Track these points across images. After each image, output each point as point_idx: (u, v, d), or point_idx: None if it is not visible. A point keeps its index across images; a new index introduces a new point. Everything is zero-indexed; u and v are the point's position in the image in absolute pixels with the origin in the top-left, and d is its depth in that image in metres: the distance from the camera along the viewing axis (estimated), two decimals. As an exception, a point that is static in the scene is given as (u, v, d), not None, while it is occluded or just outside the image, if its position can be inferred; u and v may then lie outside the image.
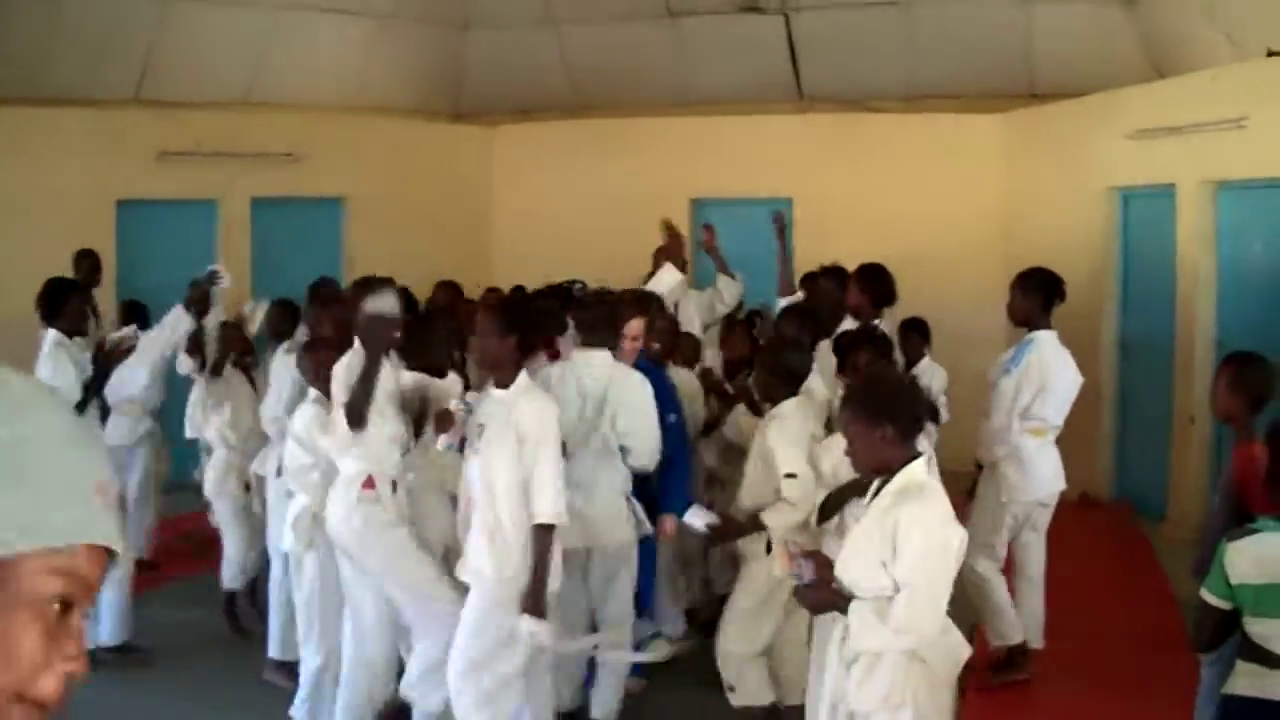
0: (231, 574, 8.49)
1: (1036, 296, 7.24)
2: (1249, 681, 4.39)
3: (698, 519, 6.28)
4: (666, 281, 8.84)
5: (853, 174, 13.30)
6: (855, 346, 6.75)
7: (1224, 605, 4.40)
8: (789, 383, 6.26)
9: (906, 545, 4.33)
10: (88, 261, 10.46)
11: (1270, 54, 9.95)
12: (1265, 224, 9.74)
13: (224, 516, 8.47)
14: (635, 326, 6.72)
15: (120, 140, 12.20)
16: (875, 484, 4.59)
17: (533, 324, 6.06)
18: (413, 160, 14.05)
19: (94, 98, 12.55)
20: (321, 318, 7.64)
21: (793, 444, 6.00)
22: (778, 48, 14.33)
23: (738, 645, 6.35)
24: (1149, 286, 11.24)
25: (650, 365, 6.96)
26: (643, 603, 6.84)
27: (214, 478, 8.40)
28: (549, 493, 5.56)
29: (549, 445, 5.62)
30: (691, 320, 8.98)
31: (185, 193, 12.56)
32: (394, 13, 14.21)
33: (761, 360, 6.57)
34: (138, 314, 9.77)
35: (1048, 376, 7.13)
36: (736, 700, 6.40)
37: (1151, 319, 11.10)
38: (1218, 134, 9.89)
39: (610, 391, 6.38)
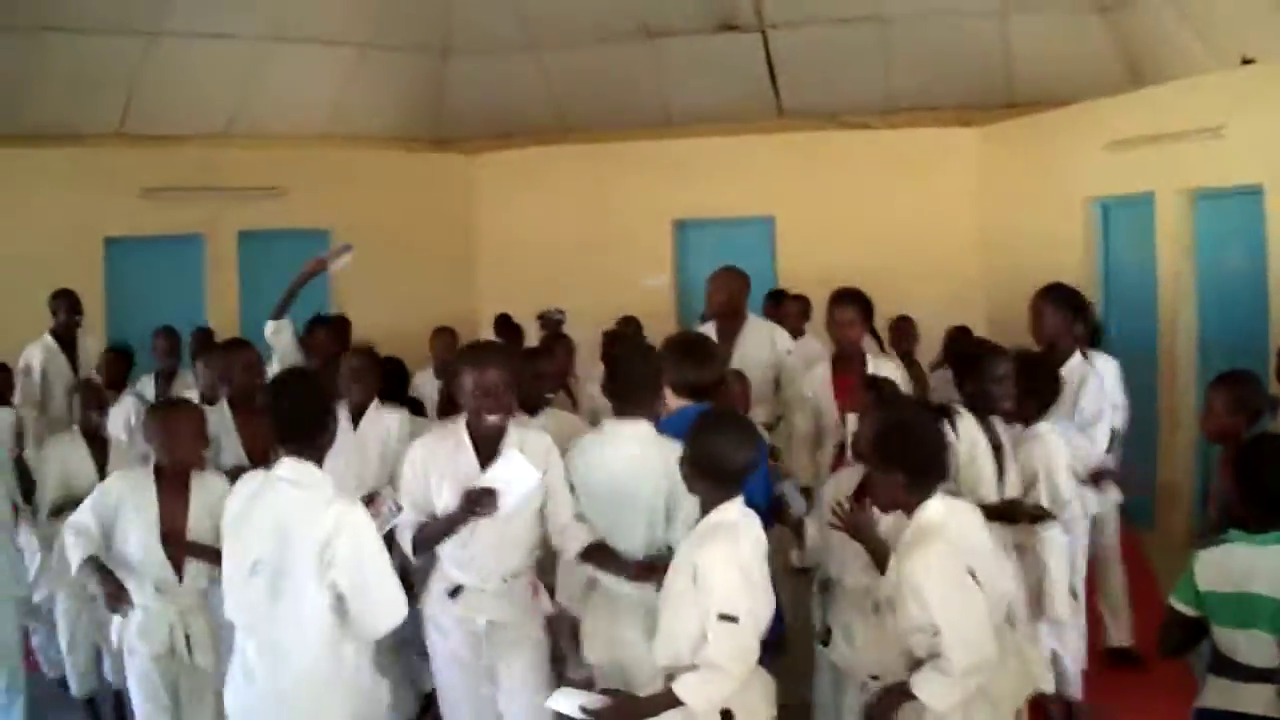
0: (83, 683, 7.28)
1: (1066, 310, 7.14)
2: (1219, 695, 4.47)
3: None
4: None
5: (833, 191, 13.36)
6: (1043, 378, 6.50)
7: (1190, 612, 4.50)
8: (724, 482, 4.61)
9: (925, 592, 4.42)
10: (65, 304, 10.38)
11: (1245, 61, 10.04)
12: (1243, 231, 9.80)
13: (60, 609, 7.23)
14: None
15: (105, 176, 12.24)
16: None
17: None
18: (396, 190, 14.08)
19: (77, 133, 12.60)
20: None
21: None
22: (756, 65, 14.41)
23: None
24: (1130, 296, 11.30)
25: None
26: None
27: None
28: None
29: None
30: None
31: (172, 228, 12.61)
32: (373, 41, 14.25)
33: (692, 450, 4.71)
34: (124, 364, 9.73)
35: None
36: None
37: (1134, 328, 11.13)
38: (1195, 143, 9.96)
39: None
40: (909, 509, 4.62)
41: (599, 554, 5.28)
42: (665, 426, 5.51)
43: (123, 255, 12.38)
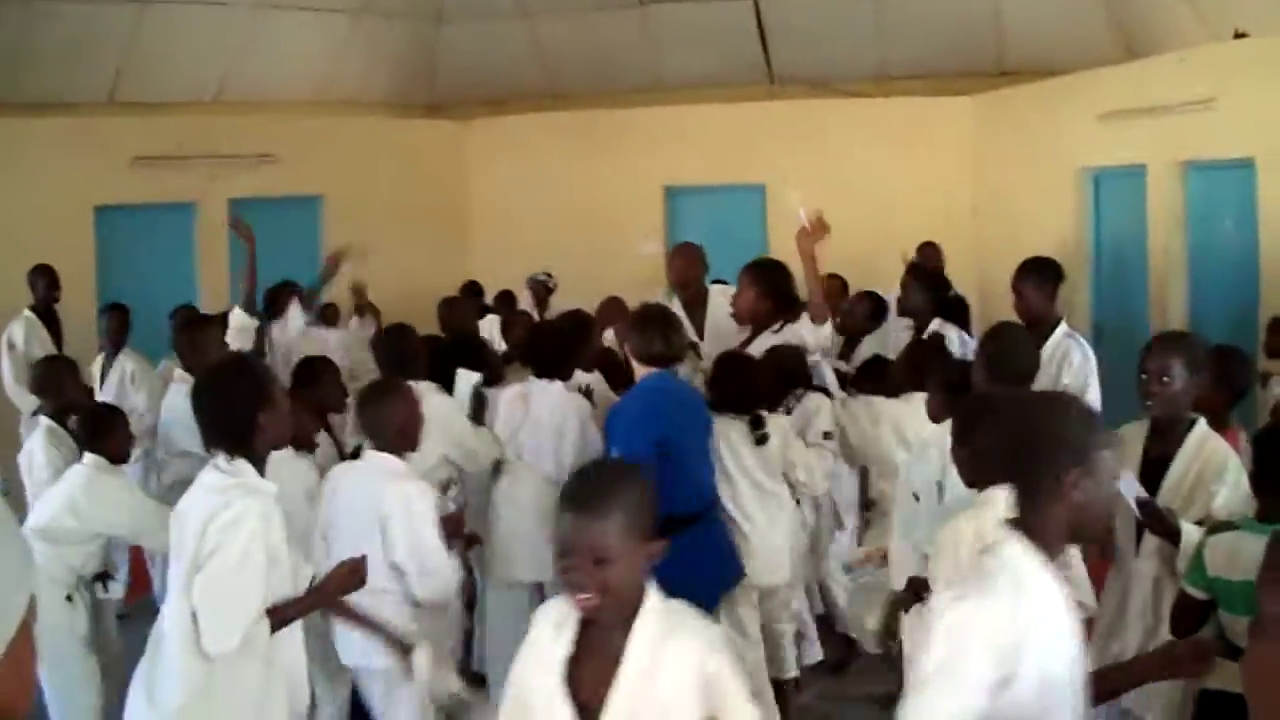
0: None
1: (1048, 286, 7.00)
2: (1222, 677, 4.50)
3: None
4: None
5: (824, 159, 13.30)
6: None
7: (1200, 596, 4.53)
8: None
9: None
10: (44, 279, 10.32)
11: (1237, 35, 10.03)
12: (1234, 204, 9.81)
13: (50, 660, 5.42)
14: None
15: (96, 145, 12.14)
16: None
17: None
18: (389, 157, 14.04)
19: (68, 102, 12.54)
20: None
21: None
22: (748, 32, 14.37)
23: None
24: (1121, 268, 11.31)
25: None
26: None
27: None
28: None
29: None
30: None
31: (163, 196, 12.52)
32: (366, 7, 14.19)
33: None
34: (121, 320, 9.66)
35: None
36: None
37: (1124, 300, 11.17)
38: (1187, 115, 9.96)
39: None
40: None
41: None
42: (632, 395, 5.96)
43: (113, 224, 12.31)
